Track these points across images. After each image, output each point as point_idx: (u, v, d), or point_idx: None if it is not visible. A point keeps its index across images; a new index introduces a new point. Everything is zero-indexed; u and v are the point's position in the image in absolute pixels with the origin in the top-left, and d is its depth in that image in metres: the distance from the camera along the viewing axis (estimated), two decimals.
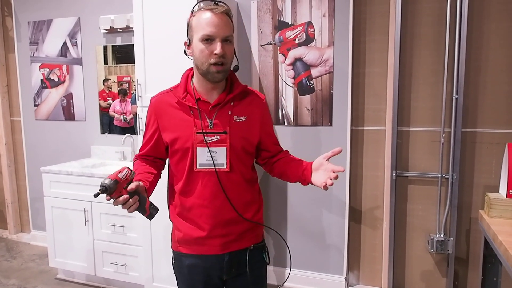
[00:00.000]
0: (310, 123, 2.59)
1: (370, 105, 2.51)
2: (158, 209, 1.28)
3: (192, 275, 1.40)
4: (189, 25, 1.30)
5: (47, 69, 3.30)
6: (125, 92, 3.04)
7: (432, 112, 2.38)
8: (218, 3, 1.27)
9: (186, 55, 1.36)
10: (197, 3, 1.42)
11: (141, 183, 1.22)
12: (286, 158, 1.47)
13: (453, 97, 2.29)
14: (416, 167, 2.45)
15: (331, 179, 1.23)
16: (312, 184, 1.32)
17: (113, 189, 1.13)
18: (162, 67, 2.29)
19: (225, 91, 1.35)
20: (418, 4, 2.34)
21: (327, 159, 1.29)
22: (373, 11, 2.44)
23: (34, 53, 3.33)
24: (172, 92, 1.36)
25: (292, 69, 2.58)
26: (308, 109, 2.58)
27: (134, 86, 2.95)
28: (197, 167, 1.32)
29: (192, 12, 1.29)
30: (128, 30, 2.93)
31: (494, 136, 2.30)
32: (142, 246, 2.50)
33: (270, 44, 2.62)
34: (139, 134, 2.39)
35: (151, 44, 2.31)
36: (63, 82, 3.25)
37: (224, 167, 1.31)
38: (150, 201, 1.26)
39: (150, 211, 1.25)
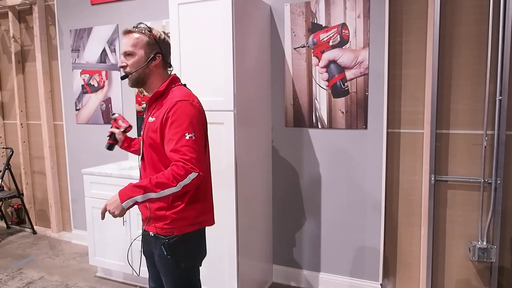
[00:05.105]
0: (345, 126, 2.55)
1: (407, 107, 2.44)
2: (110, 147, 1.95)
3: None
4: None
5: (88, 75, 3.44)
6: None
7: (474, 114, 2.29)
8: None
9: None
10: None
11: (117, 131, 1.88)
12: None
13: (496, 98, 2.19)
14: (456, 172, 2.36)
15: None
16: None
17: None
18: (197, 72, 2.32)
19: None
20: (458, 3, 2.26)
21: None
22: (409, 11, 2.38)
23: (75, 59, 3.48)
24: None
25: (326, 72, 2.56)
26: (343, 112, 2.54)
27: None
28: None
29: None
30: None
31: None
32: None
33: (304, 46, 2.61)
34: None
35: (186, 49, 2.34)
36: (102, 87, 3.38)
37: (140, 155, 1.63)
38: (113, 143, 1.93)
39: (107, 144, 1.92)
